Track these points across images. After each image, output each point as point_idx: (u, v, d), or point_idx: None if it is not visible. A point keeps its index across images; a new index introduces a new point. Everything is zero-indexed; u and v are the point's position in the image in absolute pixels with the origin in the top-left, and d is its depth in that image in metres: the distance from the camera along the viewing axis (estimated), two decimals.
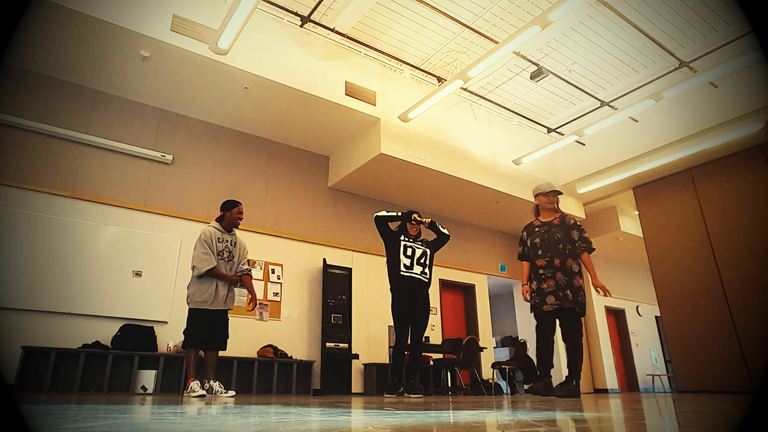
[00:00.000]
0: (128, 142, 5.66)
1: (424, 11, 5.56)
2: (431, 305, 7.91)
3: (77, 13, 4.44)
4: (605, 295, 3.76)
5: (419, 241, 4.42)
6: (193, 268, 3.91)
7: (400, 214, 4.38)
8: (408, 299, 4.19)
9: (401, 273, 4.21)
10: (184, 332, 3.90)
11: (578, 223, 3.99)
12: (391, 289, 4.28)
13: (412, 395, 4.00)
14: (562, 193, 4.17)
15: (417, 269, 4.24)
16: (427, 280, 4.32)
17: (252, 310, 4.12)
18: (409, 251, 4.31)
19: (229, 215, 4.09)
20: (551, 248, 3.87)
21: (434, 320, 7.71)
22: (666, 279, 6.81)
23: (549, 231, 3.95)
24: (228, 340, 4.03)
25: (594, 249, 3.87)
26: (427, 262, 4.35)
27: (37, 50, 4.99)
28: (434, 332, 7.59)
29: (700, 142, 6.39)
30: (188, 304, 3.90)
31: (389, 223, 4.34)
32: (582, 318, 3.79)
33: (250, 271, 4.16)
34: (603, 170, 7.53)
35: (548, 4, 5.27)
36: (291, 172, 6.92)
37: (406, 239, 4.35)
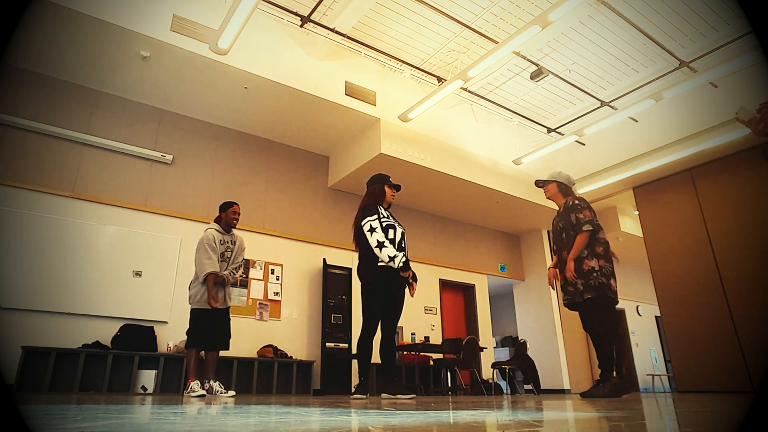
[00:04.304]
0: (128, 142, 5.67)
1: (424, 11, 5.56)
2: (431, 305, 8.02)
3: (77, 13, 4.44)
4: (549, 283, 3.62)
5: (392, 216, 3.54)
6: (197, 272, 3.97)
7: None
8: (387, 293, 3.34)
9: (380, 264, 3.27)
10: (187, 332, 3.93)
11: (576, 202, 3.56)
12: (364, 284, 3.39)
13: (400, 396, 3.28)
14: (543, 184, 3.82)
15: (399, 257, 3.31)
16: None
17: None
18: (391, 233, 3.29)
19: (225, 216, 4.14)
20: (557, 240, 3.63)
21: (434, 320, 7.72)
22: (666, 279, 6.80)
23: (554, 221, 3.72)
24: (230, 340, 4.07)
25: (587, 228, 3.40)
26: (405, 246, 3.44)
27: (37, 50, 4.99)
28: (434, 332, 7.59)
29: (700, 142, 6.39)
30: (190, 304, 3.94)
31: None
32: (604, 305, 3.35)
33: (231, 276, 4.08)
34: (603, 170, 7.53)
35: (548, 4, 5.27)
36: (291, 172, 6.92)
37: (383, 215, 3.41)
